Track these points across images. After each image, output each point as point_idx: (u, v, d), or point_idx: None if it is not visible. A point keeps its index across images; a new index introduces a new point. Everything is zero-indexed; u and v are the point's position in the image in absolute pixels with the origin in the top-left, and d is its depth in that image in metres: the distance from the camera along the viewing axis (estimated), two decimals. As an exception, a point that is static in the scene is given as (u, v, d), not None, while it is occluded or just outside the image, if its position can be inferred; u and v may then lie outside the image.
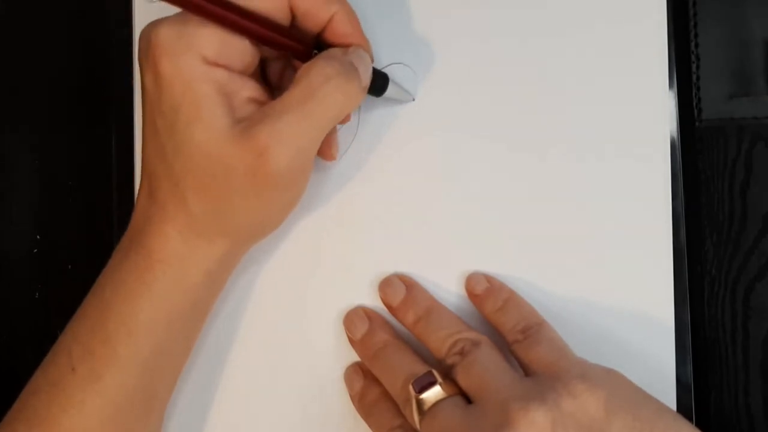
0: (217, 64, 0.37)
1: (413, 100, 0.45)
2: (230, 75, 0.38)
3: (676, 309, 0.43)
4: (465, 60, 0.45)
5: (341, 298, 0.44)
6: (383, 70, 0.43)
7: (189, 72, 0.37)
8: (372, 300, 0.44)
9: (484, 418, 0.37)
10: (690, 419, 0.42)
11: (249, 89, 0.39)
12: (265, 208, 0.39)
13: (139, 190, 0.41)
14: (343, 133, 0.45)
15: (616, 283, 0.43)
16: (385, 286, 0.44)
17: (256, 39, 0.38)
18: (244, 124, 0.37)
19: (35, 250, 0.47)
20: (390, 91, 0.43)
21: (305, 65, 0.38)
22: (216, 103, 0.37)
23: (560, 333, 0.41)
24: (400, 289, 0.43)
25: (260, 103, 0.39)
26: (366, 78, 0.39)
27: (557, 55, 0.44)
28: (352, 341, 0.44)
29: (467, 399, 0.39)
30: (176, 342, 0.41)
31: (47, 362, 0.40)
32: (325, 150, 0.43)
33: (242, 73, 0.39)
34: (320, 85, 0.37)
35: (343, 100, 0.38)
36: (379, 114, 0.45)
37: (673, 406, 0.42)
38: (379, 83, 0.42)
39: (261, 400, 0.44)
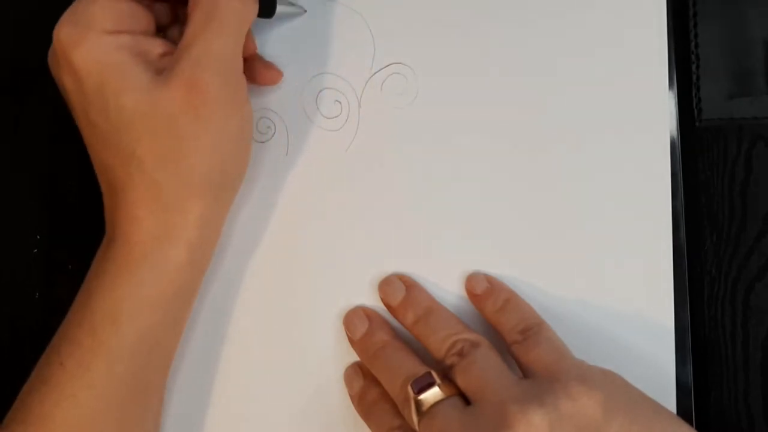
0: (119, 31, 0.39)
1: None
2: (135, 37, 0.39)
3: (675, 309, 0.43)
4: (465, 60, 0.45)
5: (341, 298, 0.44)
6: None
7: (98, 49, 0.38)
8: (372, 300, 0.44)
9: (483, 420, 0.37)
10: (690, 420, 0.42)
11: (159, 46, 0.40)
12: (218, 141, 0.39)
13: (103, 195, 0.41)
14: (343, 133, 0.45)
15: (615, 284, 0.43)
16: (385, 285, 0.44)
17: None
18: (166, 72, 0.38)
19: (35, 250, 0.47)
20: (281, 8, 0.44)
21: None
22: (133, 65, 0.38)
23: (560, 333, 0.41)
24: (400, 289, 0.43)
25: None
26: None
27: (557, 56, 0.44)
28: (351, 341, 0.44)
29: (466, 400, 0.39)
30: (163, 327, 0.41)
31: (39, 363, 0.40)
32: (264, 72, 0.44)
33: (144, 34, 0.40)
34: (214, 1, 0.38)
35: (240, 6, 0.39)
36: (379, 114, 0.45)
37: (673, 406, 0.42)
38: (268, 3, 0.43)
39: (261, 400, 0.44)
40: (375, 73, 0.45)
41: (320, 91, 0.45)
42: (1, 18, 0.49)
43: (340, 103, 0.45)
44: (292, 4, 0.45)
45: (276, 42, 0.45)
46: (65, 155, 0.47)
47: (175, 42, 0.42)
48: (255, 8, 0.40)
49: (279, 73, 0.45)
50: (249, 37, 0.43)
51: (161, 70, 0.39)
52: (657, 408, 0.38)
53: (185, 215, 0.39)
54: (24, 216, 0.47)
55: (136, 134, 0.38)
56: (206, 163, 0.39)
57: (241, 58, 0.40)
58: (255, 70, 0.44)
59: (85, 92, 0.39)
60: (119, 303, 0.39)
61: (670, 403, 0.42)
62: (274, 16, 0.44)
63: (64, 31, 0.39)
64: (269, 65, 0.44)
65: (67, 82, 0.39)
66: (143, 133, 0.38)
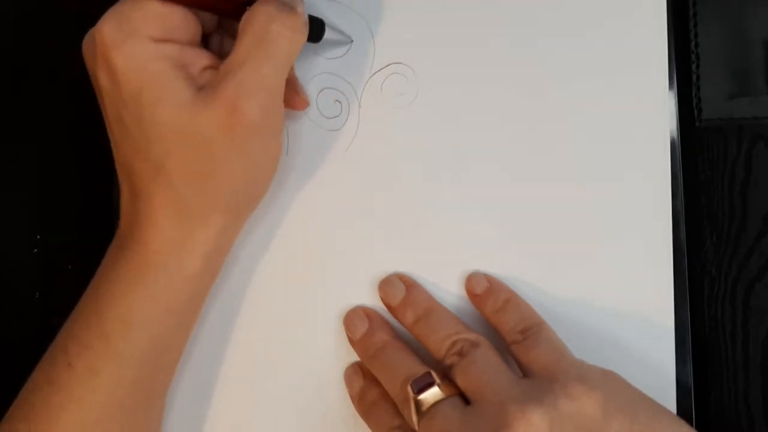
0: (164, 40, 0.38)
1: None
2: (181, 48, 0.38)
3: (676, 309, 0.43)
4: (465, 60, 0.45)
5: (341, 298, 0.44)
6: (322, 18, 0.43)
7: (141, 55, 0.37)
8: (372, 300, 0.44)
9: (482, 419, 0.37)
10: (690, 420, 0.42)
11: (203, 58, 0.39)
12: (250, 165, 0.39)
13: (120, 197, 0.41)
14: (343, 133, 0.45)
15: (616, 283, 0.43)
16: (385, 285, 0.44)
17: (192, 5, 0.39)
18: (208, 89, 0.37)
19: (35, 250, 0.47)
20: (328, 34, 0.43)
21: (246, 14, 0.38)
22: (174, 77, 0.37)
23: (560, 333, 0.41)
24: (400, 289, 0.43)
25: (216, 70, 0.39)
26: (304, 15, 0.40)
27: (557, 56, 0.44)
28: (351, 341, 0.44)
29: (465, 400, 0.39)
30: (174, 334, 0.41)
31: (44, 361, 0.40)
32: (294, 98, 0.43)
33: (190, 44, 0.39)
34: (267, 26, 0.38)
35: (291, 35, 0.38)
36: (379, 114, 0.45)
37: (673, 406, 0.42)
38: (316, 28, 0.42)
39: (261, 400, 0.44)
40: (375, 73, 0.45)
41: (320, 91, 0.45)
42: (1, 18, 0.49)
43: (340, 103, 0.45)
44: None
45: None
46: (65, 155, 0.47)
47: (217, 51, 0.42)
48: (305, 37, 0.39)
49: (306, 102, 0.44)
50: None
51: (202, 86, 0.38)
52: (657, 408, 0.38)
53: (206, 228, 0.39)
54: (24, 216, 0.47)
55: (168, 147, 0.38)
56: (234, 184, 0.39)
57: (284, 87, 0.39)
58: (285, 93, 0.42)
59: (121, 95, 0.38)
60: (132, 309, 0.39)
61: (670, 403, 0.42)
62: (320, 42, 0.43)
63: (107, 29, 0.37)
64: (300, 91, 0.44)
65: (102, 80, 0.38)
66: (175, 147, 0.38)
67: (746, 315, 0.43)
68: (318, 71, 0.45)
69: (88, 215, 0.46)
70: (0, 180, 0.48)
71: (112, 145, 0.40)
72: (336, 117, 0.45)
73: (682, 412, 0.42)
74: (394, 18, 0.45)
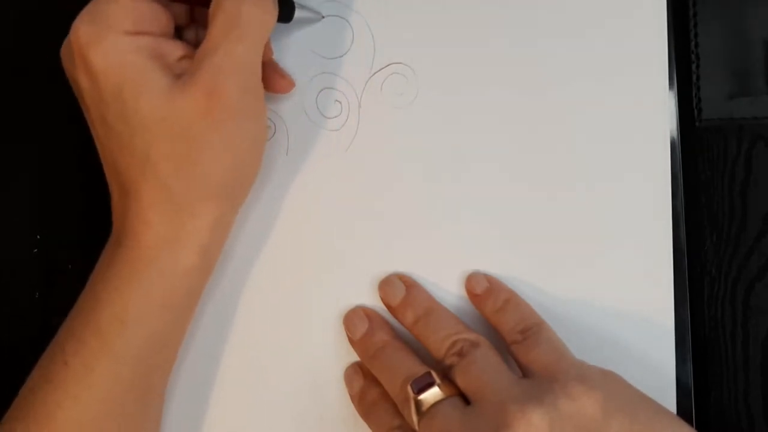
0: (138, 33, 0.38)
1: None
2: (155, 39, 0.39)
3: (676, 309, 0.43)
4: (465, 60, 0.45)
5: (341, 298, 0.44)
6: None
7: (118, 50, 0.38)
8: (372, 300, 0.44)
9: (482, 419, 0.37)
10: (690, 419, 0.42)
11: (178, 49, 0.40)
12: (233, 149, 0.39)
13: (111, 197, 0.41)
14: (343, 133, 0.45)
15: (616, 283, 0.43)
16: (385, 285, 0.44)
17: None
18: (185, 77, 0.38)
19: (35, 250, 0.47)
20: (298, 13, 0.43)
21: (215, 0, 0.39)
22: (151, 68, 0.38)
23: (560, 333, 0.41)
24: (400, 289, 0.43)
25: (192, 58, 0.39)
26: None
27: (557, 56, 0.44)
28: (351, 341, 0.44)
29: (465, 400, 0.39)
30: (171, 331, 0.41)
31: (42, 359, 0.40)
32: (279, 80, 0.43)
33: (164, 36, 0.40)
34: (237, 9, 0.38)
35: (262, 16, 0.39)
36: (379, 114, 0.45)
37: (673, 406, 0.42)
38: (286, 9, 0.43)
39: (261, 400, 0.44)
40: (375, 73, 0.45)
41: (320, 91, 0.45)
42: (1, 18, 0.49)
43: (340, 103, 0.45)
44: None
45: (276, 42, 0.45)
46: (65, 155, 0.47)
47: (192, 44, 0.42)
48: (275, 16, 0.40)
49: (291, 83, 0.44)
50: (266, 43, 0.42)
51: (179, 75, 0.38)
52: (657, 408, 0.38)
53: (197, 220, 0.39)
54: (24, 216, 0.47)
55: (151, 138, 0.38)
56: (220, 169, 0.39)
57: (260, 67, 0.40)
58: (269, 77, 0.43)
59: (101, 93, 0.38)
60: (127, 306, 0.39)
61: (670, 403, 0.42)
62: (291, 21, 0.43)
63: (82, 30, 0.38)
64: (283, 74, 0.44)
65: (82, 81, 0.39)
66: (158, 137, 0.38)
67: (746, 315, 0.44)
68: (318, 71, 0.45)
69: (88, 215, 0.46)
70: (0, 180, 0.48)
71: (98, 146, 0.41)
72: (336, 117, 0.45)
73: (682, 412, 0.42)
74: (394, 18, 0.45)
